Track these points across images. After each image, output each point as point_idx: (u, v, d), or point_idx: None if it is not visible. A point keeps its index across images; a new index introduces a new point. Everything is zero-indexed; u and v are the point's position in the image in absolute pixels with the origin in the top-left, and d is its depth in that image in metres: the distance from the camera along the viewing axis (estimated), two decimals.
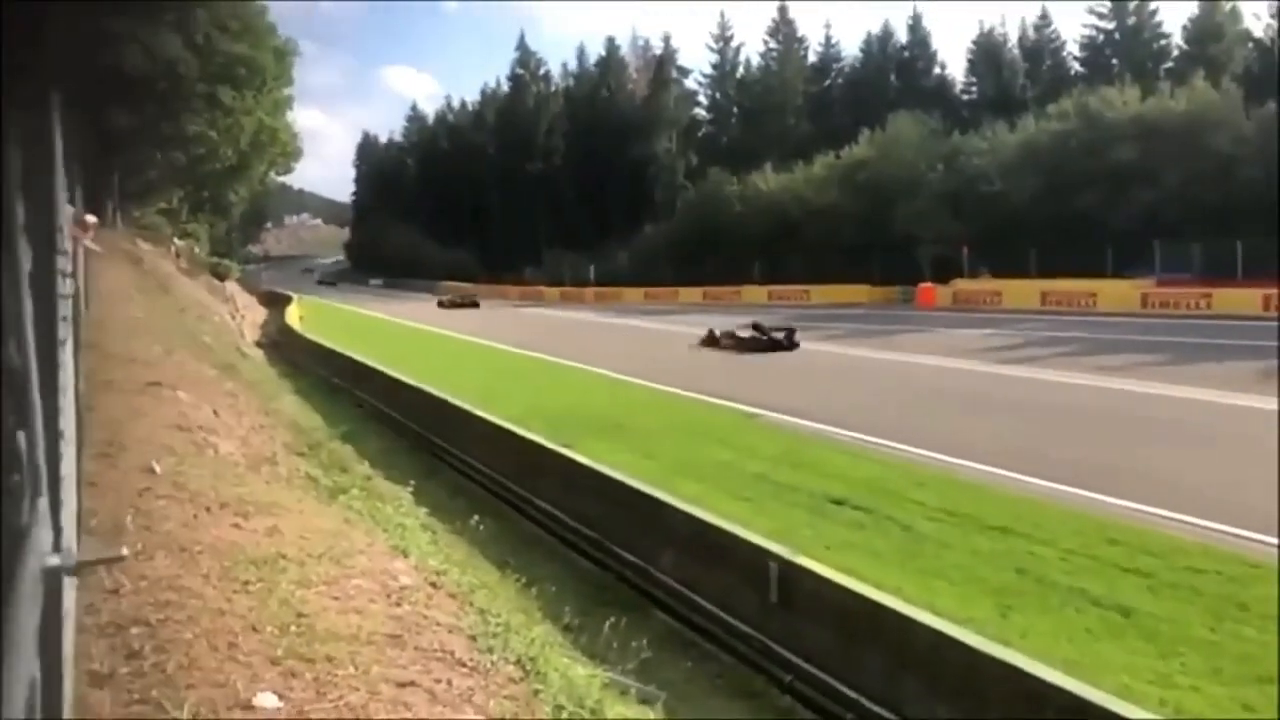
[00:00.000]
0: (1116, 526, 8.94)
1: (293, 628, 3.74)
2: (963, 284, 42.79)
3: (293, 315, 39.04)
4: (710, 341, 27.24)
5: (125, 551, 2.86)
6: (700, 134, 78.84)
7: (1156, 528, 8.91)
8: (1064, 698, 5.01)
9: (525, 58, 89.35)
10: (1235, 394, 15.61)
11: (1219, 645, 6.62)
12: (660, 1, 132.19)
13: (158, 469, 6.02)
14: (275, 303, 48.23)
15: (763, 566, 7.28)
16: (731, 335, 26.74)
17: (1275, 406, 13.63)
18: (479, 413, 14.14)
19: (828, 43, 75.65)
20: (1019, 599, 7.56)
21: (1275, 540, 8.13)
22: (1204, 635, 6.76)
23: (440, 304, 57.87)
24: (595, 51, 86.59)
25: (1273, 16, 51.93)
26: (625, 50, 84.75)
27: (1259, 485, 9.47)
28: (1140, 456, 11.81)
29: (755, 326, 26.85)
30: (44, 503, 1.60)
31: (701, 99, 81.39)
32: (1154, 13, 60.46)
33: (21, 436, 1.36)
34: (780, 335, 25.98)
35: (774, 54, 75.30)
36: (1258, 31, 53.33)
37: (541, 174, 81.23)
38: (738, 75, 78.33)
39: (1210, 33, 54.55)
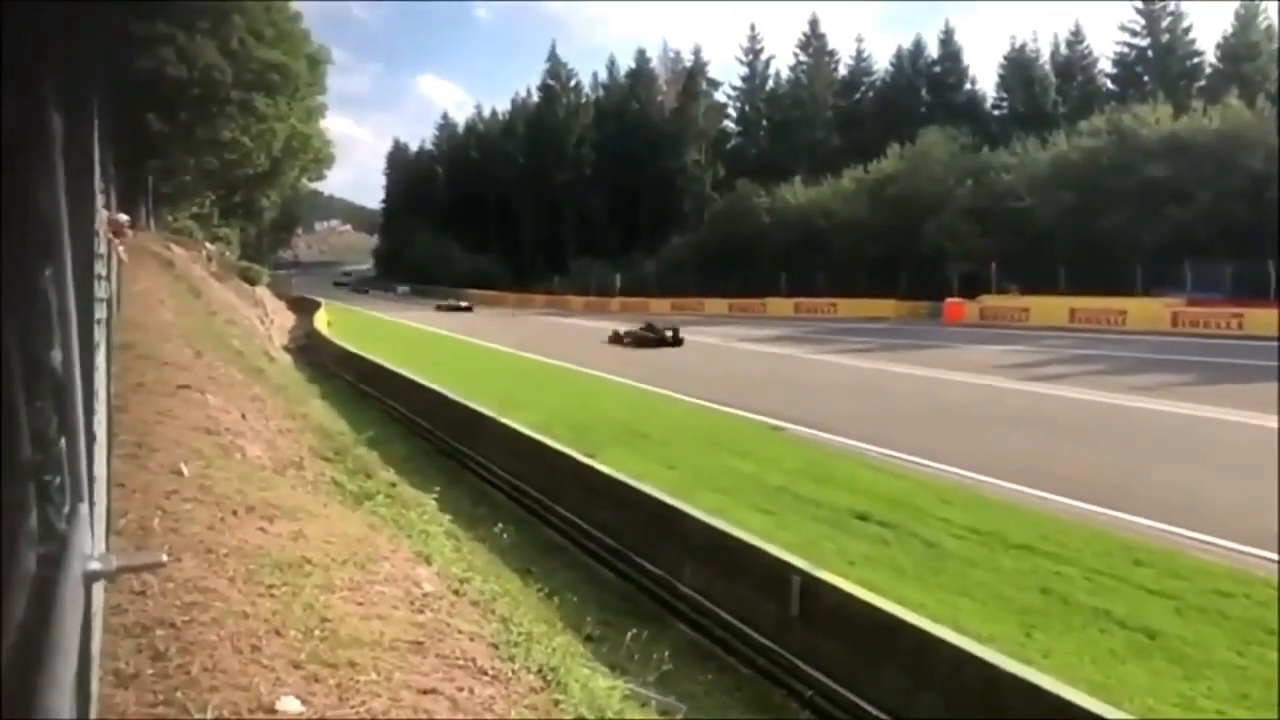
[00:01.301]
0: (1143, 547, 8.87)
1: (316, 632, 3.77)
2: (990, 300, 42.55)
3: (321, 320, 39.31)
4: (615, 339, 33.56)
5: (164, 557, 2.89)
6: (729, 146, 78.88)
7: (1183, 549, 8.83)
8: (1086, 718, 4.97)
9: (556, 68, 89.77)
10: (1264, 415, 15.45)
11: (1246, 669, 6.55)
12: (692, 9, 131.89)
13: (185, 471, 6.07)
14: (304, 308, 48.57)
15: (784, 579, 7.26)
16: (631, 334, 33.31)
17: None
18: (503, 420, 14.19)
19: (859, 56, 75.56)
20: (1043, 619, 7.50)
21: None
22: (1231, 659, 6.69)
23: (438, 307, 62.99)
24: (626, 63, 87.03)
25: None
26: (655, 62, 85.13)
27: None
28: (1161, 475, 11.71)
29: (649, 327, 33.65)
30: (84, 508, 1.62)
31: (731, 111, 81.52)
32: (1188, 30, 60.08)
33: (63, 441, 1.39)
34: (669, 334, 32.42)
35: (804, 67, 75.33)
36: None
37: (570, 184, 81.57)
38: (767, 88, 78.32)
39: (1245, 51, 54.10)
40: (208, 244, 46.41)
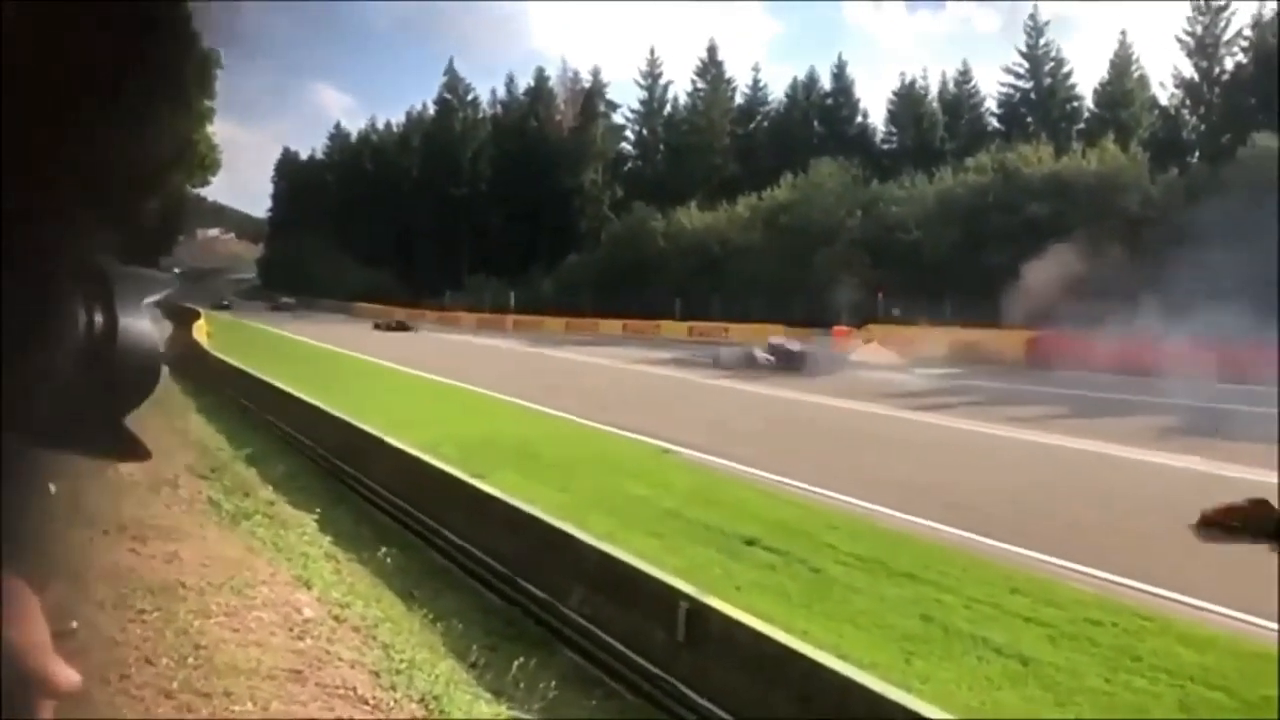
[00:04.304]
0: (1020, 576, 9.15)
1: (190, 660, 3.62)
2: (876, 329, 43.59)
3: (200, 331, 38.06)
4: (377, 328, 39.11)
5: (74, 624, 2.73)
6: (627, 168, 79.36)
7: (1058, 579, 9.13)
8: None
9: (453, 82, 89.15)
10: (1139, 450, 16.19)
11: (1112, 695, 6.79)
12: (591, 30, 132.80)
13: (52, 489, 5.80)
14: (182, 318, 46.94)
15: (672, 605, 7.26)
16: (380, 323, 40.79)
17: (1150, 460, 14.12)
18: (388, 439, 13.90)
19: (755, 85, 76.91)
20: (923, 645, 7.66)
21: (1168, 594, 8.44)
22: (1099, 685, 6.93)
23: (376, 326, 58.01)
24: (524, 81, 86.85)
25: (1177, 86, 54.55)
26: (554, 81, 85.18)
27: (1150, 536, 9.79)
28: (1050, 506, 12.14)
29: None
30: None
31: (629, 134, 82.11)
32: (1068, 75, 62.84)
33: None
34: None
35: (701, 94, 76.33)
36: (1163, 99, 55.99)
37: (466, 199, 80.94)
38: (665, 112, 79.15)
39: (1119, 99, 56.87)
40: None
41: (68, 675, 0.77)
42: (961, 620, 8.12)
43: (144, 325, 0.77)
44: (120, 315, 0.75)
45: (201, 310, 49.50)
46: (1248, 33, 52.44)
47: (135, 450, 0.79)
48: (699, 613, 7.10)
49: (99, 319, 0.74)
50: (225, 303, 79.08)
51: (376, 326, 57.04)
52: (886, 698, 5.62)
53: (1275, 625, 7.73)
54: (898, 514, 11.67)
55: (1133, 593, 8.73)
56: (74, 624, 2.68)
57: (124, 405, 0.79)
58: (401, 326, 57.30)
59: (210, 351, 29.63)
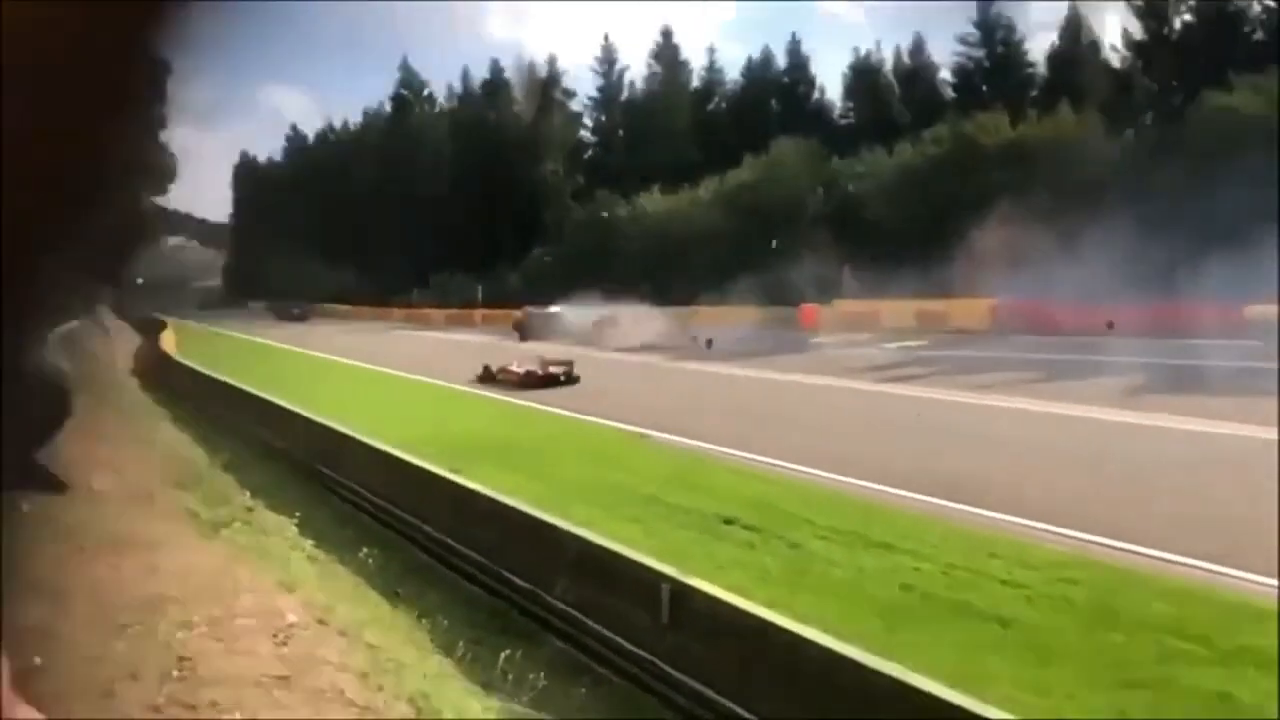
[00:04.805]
0: (997, 540, 9.26)
1: (174, 673, 3.62)
2: (844, 304, 43.83)
3: (168, 341, 37.73)
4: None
5: (37, 660, 2.72)
6: (587, 156, 79.07)
7: (1035, 541, 9.26)
8: (954, 712, 5.15)
9: (408, 79, 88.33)
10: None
11: (1092, 653, 6.90)
12: (544, 19, 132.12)
13: (25, 507, 5.75)
14: (149, 328, 46.48)
15: (655, 588, 7.30)
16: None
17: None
18: (364, 439, 13.85)
19: (711, 66, 76.65)
20: (904, 614, 7.75)
21: (1142, 549, 8.62)
22: (1078, 643, 7.04)
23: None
24: (479, 74, 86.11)
25: (1128, 48, 55.00)
26: (510, 72, 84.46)
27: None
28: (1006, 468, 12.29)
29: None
30: None
31: (588, 121, 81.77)
32: (1020, 41, 63.08)
33: None
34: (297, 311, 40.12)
35: (658, 77, 76.09)
36: (1115, 63, 56.43)
37: (428, 195, 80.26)
38: (623, 98, 78.88)
39: (1072, 62, 57.20)
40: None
41: (28, 715, 0.75)
42: (940, 587, 8.22)
43: (50, 356, 0.76)
44: (25, 346, 0.73)
45: (168, 320, 49.09)
46: None
47: (50, 483, 0.79)
48: (681, 594, 7.15)
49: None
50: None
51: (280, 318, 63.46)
52: (871, 668, 5.69)
53: (1248, 575, 7.91)
54: (871, 485, 11.80)
55: (1107, 550, 8.87)
56: (37, 660, 2.67)
57: (33, 439, 0.78)
58: (301, 318, 64.52)
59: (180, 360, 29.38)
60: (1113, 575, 8.22)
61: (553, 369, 24.41)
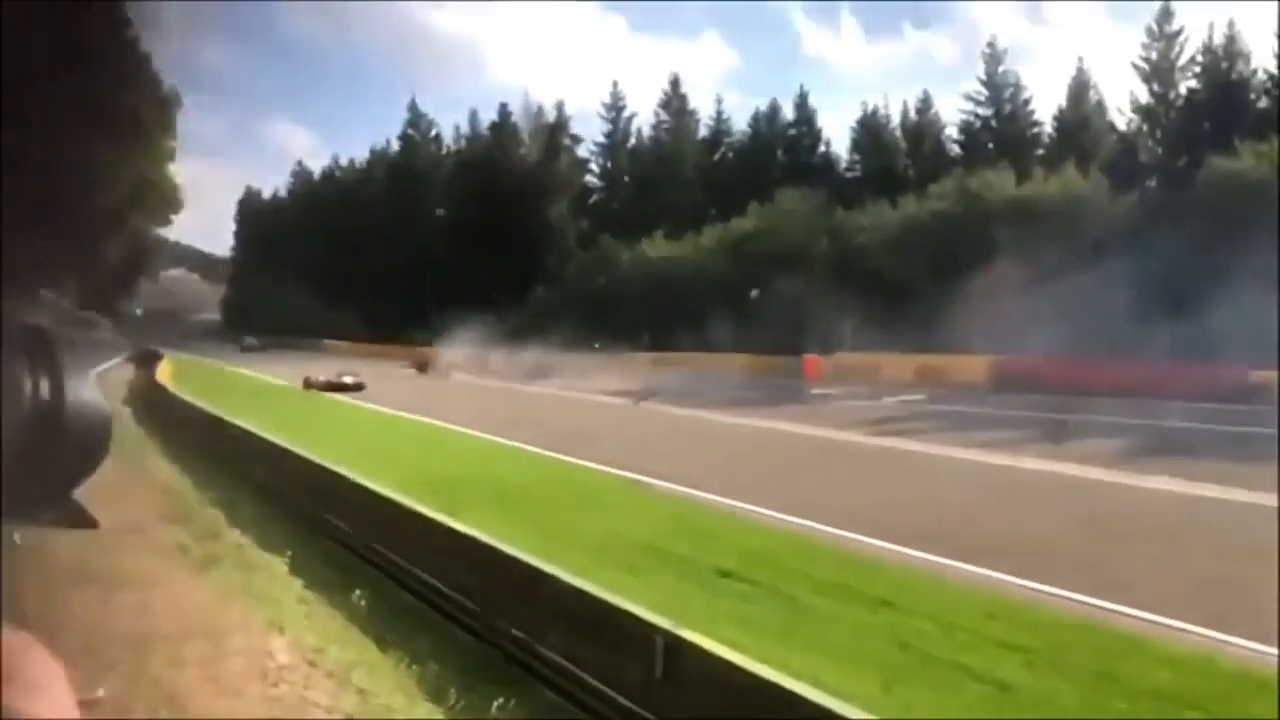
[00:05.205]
0: (996, 601, 9.17)
1: (164, 711, 3.55)
2: (845, 357, 43.87)
3: (163, 373, 37.66)
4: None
5: (101, 692, 2.67)
6: (592, 200, 79.64)
7: (1034, 602, 9.17)
8: None
9: (416, 118, 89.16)
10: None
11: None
12: (554, 64, 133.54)
13: (18, 539, 5.70)
14: (146, 360, 46.38)
15: (648, 640, 7.20)
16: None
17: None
18: (356, 478, 13.74)
19: (718, 116, 77.55)
20: (902, 673, 7.64)
21: (1144, 614, 8.52)
22: (1079, 710, 6.94)
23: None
24: (488, 116, 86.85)
25: (1134, 111, 55.60)
26: (517, 115, 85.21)
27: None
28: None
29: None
30: None
31: (594, 166, 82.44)
32: (1027, 101, 63.82)
33: None
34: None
35: (665, 126, 76.91)
36: (1121, 125, 57.08)
37: (431, 235, 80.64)
38: (630, 145, 79.59)
39: (1078, 124, 57.84)
40: (43, 291, 44.09)
41: None
42: (939, 647, 8.12)
43: (92, 394, 0.75)
44: (68, 384, 0.73)
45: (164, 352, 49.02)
46: (1200, 58, 53.66)
47: (82, 519, 0.77)
48: (675, 647, 7.04)
49: (45, 388, 0.72)
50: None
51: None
52: None
53: (1250, 644, 7.83)
54: (871, 540, 11.71)
55: (1108, 614, 8.78)
56: (101, 692, 2.62)
57: (73, 476, 0.76)
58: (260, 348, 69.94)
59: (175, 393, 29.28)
60: (1113, 640, 8.12)
61: (346, 379, 37.70)
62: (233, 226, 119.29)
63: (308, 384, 37.89)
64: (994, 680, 7.42)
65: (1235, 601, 8.89)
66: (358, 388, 36.93)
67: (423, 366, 52.63)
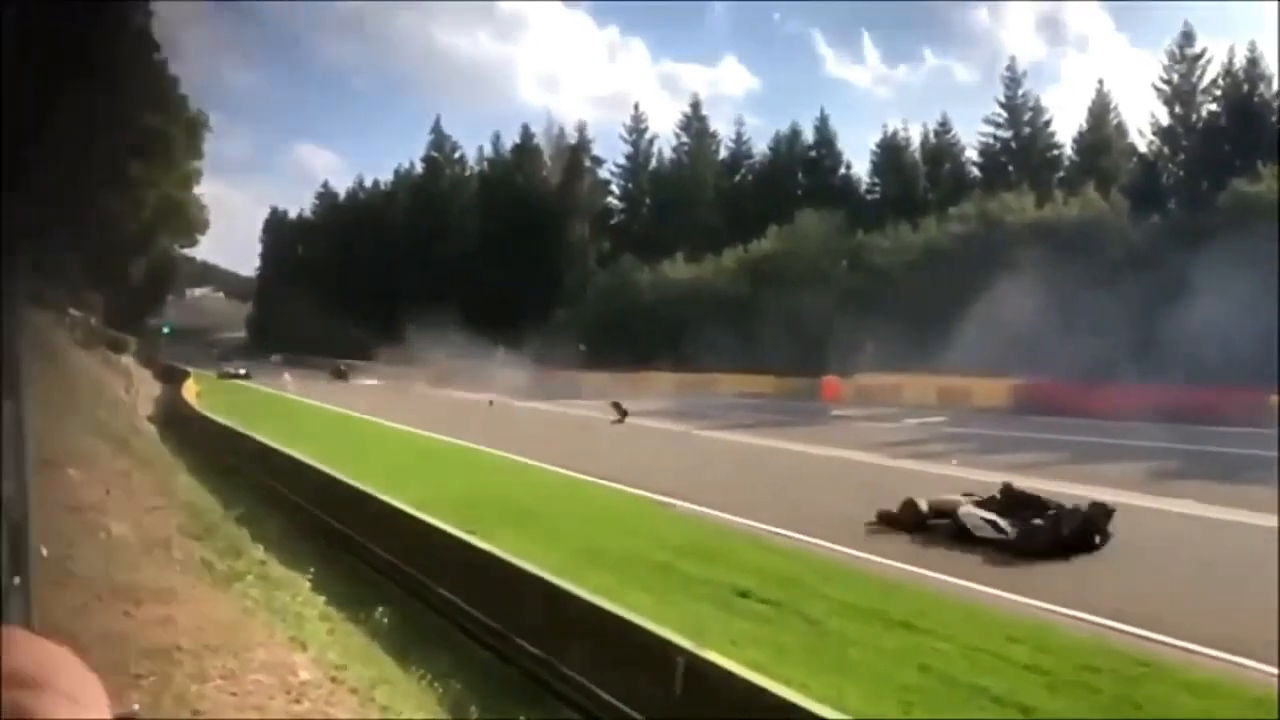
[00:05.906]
0: (1017, 624, 9.11)
1: None
2: (865, 378, 43.73)
3: (189, 391, 37.97)
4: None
5: (136, 706, 2.70)
6: (613, 221, 79.91)
7: (1055, 625, 9.11)
8: None
9: (440, 140, 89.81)
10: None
11: None
12: (575, 87, 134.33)
13: (44, 552, 5.76)
14: (172, 377, 46.80)
15: (669, 660, 7.20)
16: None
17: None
18: (378, 495, 13.80)
19: (739, 139, 77.73)
20: (922, 696, 7.61)
21: (1165, 639, 8.44)
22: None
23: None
24: (510, 138, 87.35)
25: (1155, 134, 55.38)
26: (540, 137, 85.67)
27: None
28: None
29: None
30: None
31: (615, 188, 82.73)
32: (1047, 123, 63.72)
33: None
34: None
35: (686, 148, 77.19)
36: (1142, 147, 56.88)
37: (454, 256, 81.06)
38: (650, 167, 79.89)
39: (1099, 146, 57.71)
40: (72, 310, 44.51)
41: None
42: (960, 670, 8.08)
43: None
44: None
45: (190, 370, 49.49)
46: (1221, 81, 53.47)
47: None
48: (695, 667, 7.04)
49: None
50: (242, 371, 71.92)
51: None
52: None
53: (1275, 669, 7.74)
54: (891, 563, 11.67)
55: (1129, 638, 8.70)
56: (136, 706, 2.65)
57: None
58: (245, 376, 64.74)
59: (201, 411, 29.52)
60: (1135, 665, 8.05)
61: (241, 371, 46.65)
62: (258, 247, 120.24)
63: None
64: (1015, 703, 7.38)
65: (1263, 628, 8.80)
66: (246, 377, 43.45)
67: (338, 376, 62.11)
